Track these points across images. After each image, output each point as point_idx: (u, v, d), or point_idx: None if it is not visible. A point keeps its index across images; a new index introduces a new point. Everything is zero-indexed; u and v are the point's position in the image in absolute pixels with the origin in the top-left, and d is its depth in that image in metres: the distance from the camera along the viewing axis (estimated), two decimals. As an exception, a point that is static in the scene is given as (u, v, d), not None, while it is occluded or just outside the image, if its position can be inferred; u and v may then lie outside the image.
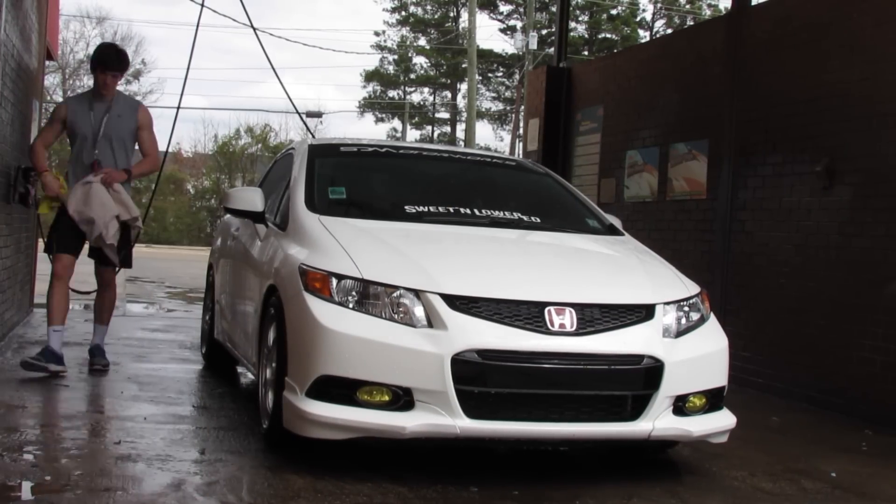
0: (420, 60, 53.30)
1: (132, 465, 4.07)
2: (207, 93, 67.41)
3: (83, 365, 6.61)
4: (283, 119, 57.50)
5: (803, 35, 7.22)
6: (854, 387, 6.43)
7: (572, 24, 43.98)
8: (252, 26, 9.18)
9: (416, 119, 53.18)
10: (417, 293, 4.03)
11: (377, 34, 54.05)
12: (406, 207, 4.99)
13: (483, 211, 5.10)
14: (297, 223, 4.82)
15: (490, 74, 51.72)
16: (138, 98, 45.36)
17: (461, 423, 3.88)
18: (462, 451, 4.48)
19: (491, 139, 57.70)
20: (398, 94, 54.05)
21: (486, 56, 48.61)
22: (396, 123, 52.66)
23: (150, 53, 70.87)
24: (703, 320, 4.50)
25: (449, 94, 53.85)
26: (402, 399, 3.92)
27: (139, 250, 12.04)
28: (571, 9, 40.88)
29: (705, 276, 7.63)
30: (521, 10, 47.60)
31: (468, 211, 5.07)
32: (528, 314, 4.03)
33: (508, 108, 49.58)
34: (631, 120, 9.48)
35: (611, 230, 5.40)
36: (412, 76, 53.28)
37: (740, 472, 4.68)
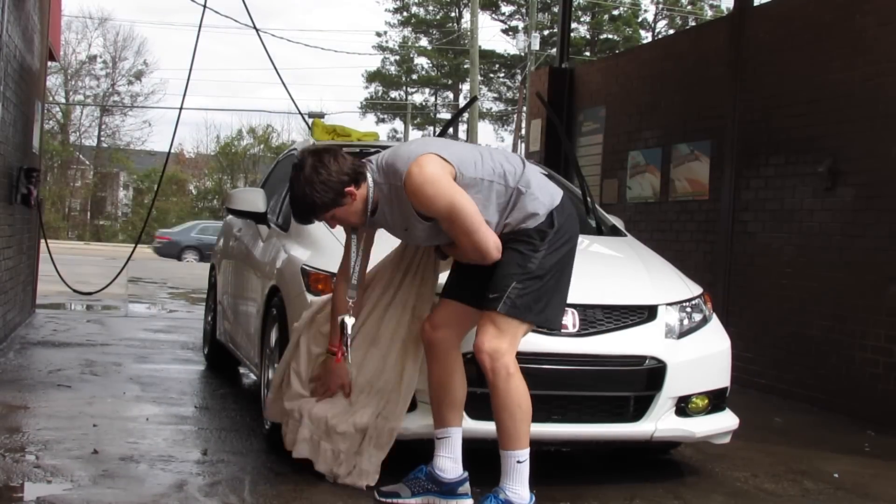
0: (422, 61, 53.29)
1: (134, 466, 4.07)
2: (209, 94, 67.45)
3: (85, 366, 6.62)
4: (285, 120, 57.53)
5: (806, 35, 7.22)
6: (857, 388, 6.42)
7: (574, 25, 43.96)
8: (255, 27, 9.18)
9: (418, 120, 53.14)
10: (419, 294, 4.02)
11: (379, 35, 54.01)
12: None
13: (485, 212, 5.08)
14: (300, 224, 4.81)
15: (492, 75, 51.68)
16: (140, 99, 44.58)
17: (464, 424, 3.87)
18: (464, 452, 4.48)
19: (493, 140, 57.70)
20: (400, 94, 54.04)
21: (488, 57, 48.56)
22: (398, 124, 52.64)
23: (152, 55, 70.74)
24: (705, 321, 4.49)
25: (451, 95, 53.82)
26: (404, 400, 3.91)
27: (141, 251, 11.96)
28: (573, 9, 40.88)
29: (707, 277, 7.63)
30: (523, 10, 47.59)
31: (470, 212, 5.05)
32: (531, 315, 4.02)
33: (510, 108, 49.57)
34: (633, 121, 9.47)
35: (613, 231, 5.40)
36: (414, 77, 53.25)
37: (743, 472, 4.68)
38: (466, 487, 3.74)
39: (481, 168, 3.62)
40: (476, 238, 3.54)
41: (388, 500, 3.76)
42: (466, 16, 47.28)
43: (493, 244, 3.58)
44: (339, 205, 3.61)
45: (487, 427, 3.90)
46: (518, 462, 3.56)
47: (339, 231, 4.54)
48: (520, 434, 3.55)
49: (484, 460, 4.42)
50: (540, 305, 3.57)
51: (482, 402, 3.90)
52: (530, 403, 3.57)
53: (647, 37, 45.25)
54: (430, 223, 3.61)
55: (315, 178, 3.57)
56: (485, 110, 50.44)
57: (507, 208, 3.62)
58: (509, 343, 3.55)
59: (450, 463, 3.73)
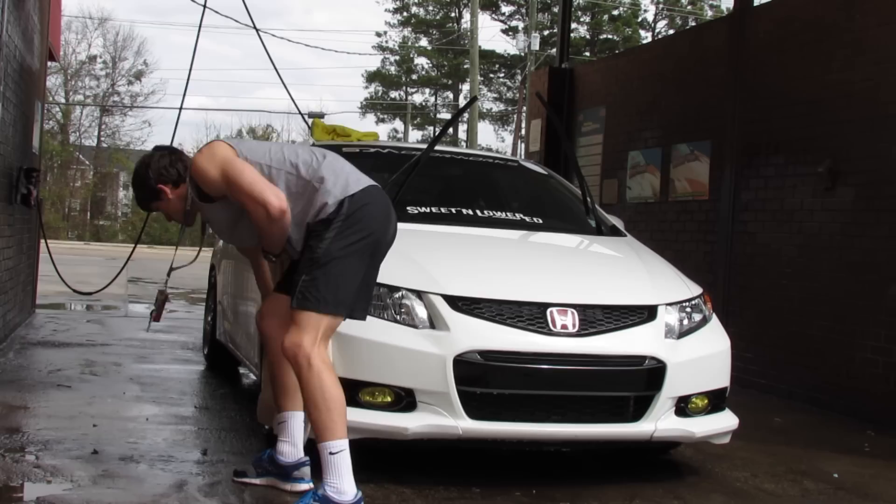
0: (422, 61, 53.27)
1: (134, 466, 4.07)
2: (209, 94, 67.46)
3: (85, 366, 6.62)
4: (285, 120, 57.60)
5: (806, 36, 7.22)
6: (856, 388, 6.42)
7: (574, 25, 43.93)
8: (255, 27, 9.17)
9: (418, 120, 53.12)
10: (420, 294, 4.03)
11: (379, 35, 54.00)
12: (408, 208, 4.98)
13: (485, 212, 5.10)
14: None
15: (492, 75, 51.66)
16: (140, 99, 44.27)
17: (463, 423, 3.88)
18: (464, 452, 4.48)
19: (493, 140, 57.71)
20: (400, 94, 54.03)
21: (488, 57, 48.54)
22: (398, 124, 52.62)
23: (152, 55, 70.68)
24: (705, 321, 4.49)
25: (451, 95, 53.82)
26: (404, 400, 3.92)
27: (141, 251, 12.03)
28: (573, 10, 40.87)
29: (707, 277, 7.62)
30: (523, 10, 47.59)
31: (470, 212, 5.07)
32: (531, 315, 4.03)
33: (510, 108, 49.57)
34: (633, 121, 9.47)
35: (613, 231, 5.40)
36: (414, 77, 53.23)
37: (742, 472, 4.68)
38: (304, 472, 3.80)
39: (269, 156, 3.71)
40: (254, 190, 3.56)
41: (239, 479, 3.90)
42: (466, 16, 47.31)
43: (270, 191, 3.58)
44: (158, 199, 3.83)
45: (487, 427, 3.91)
46: (330, 454, 3.45)
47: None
48: (327, 425, 3.47)
49: (486, 461, 4.43)
50: (330, 294, 3.52)
51: (482, 401, 3.91)
52: (340, 396, 3.50)
53: (647, 37, 45.24)
54: (218, 205, 3.73)
55: (137, 174, 3.84)
56: (485, 110, 50.44)
57: (304, 200, 3.63)
58: (312, 336, 3.50)
59: (288, 447, 3.81)
